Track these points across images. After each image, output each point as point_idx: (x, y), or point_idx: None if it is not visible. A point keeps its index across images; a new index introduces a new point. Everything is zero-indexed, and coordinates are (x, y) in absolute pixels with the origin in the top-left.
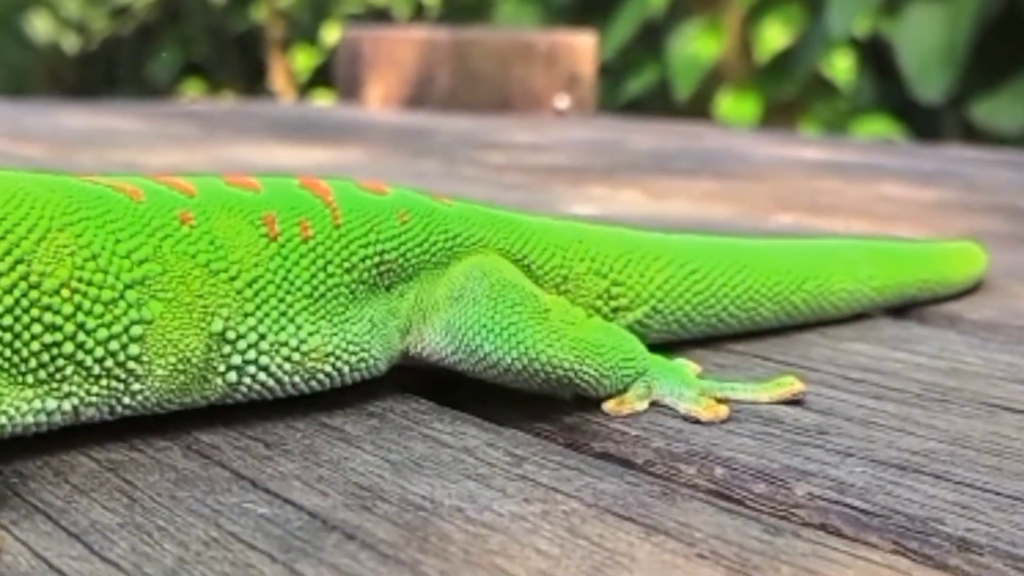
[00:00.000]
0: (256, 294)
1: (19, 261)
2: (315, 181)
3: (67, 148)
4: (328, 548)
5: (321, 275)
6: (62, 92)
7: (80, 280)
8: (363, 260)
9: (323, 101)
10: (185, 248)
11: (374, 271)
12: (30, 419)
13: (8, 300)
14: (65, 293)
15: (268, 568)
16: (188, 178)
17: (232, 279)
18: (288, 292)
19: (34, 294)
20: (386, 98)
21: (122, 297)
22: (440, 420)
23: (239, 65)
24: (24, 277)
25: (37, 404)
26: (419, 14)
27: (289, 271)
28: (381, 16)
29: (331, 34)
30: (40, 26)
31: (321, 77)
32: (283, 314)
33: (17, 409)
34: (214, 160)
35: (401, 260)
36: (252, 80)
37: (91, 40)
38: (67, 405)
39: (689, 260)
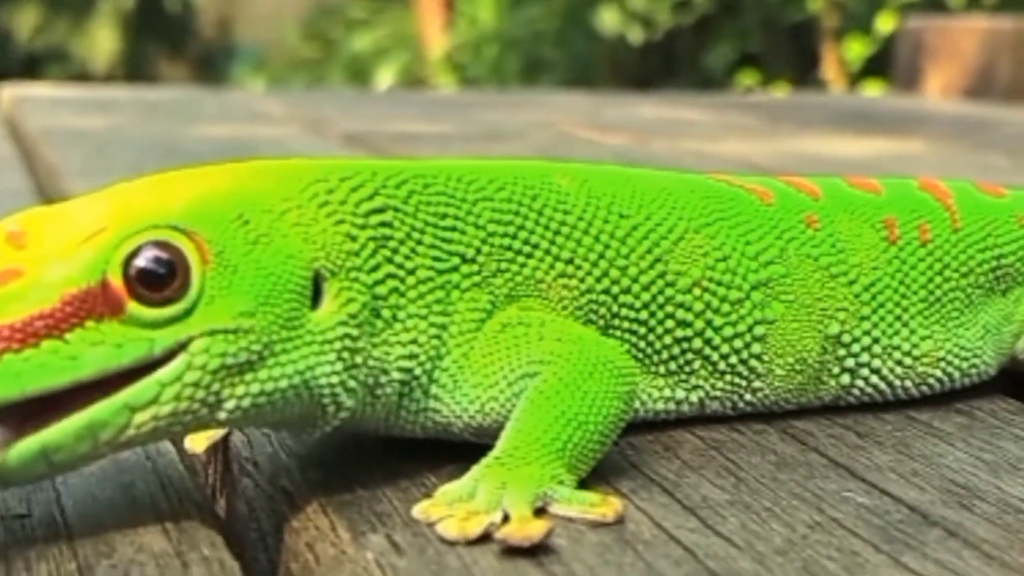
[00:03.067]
0: (873, 298)
1: (658, 260)
2: (935, 183)
3: (644, 137)
4: (931, 544)
5: (937, 279)
6: (621, 83)
7: (711, 280)
8: (980, 265)
9: (874, 91)
10: (808, 251)
11: (990, 276)
12: (660, 406)
13: (645, 296)
14: (696, 292)
15: (872, 557)
16: (812, 179)
17: (851, 283)
18: (903, 296)
19: (669, 291)
20: (945, 89)
21: (748, 297)
22: None
23: (791, 56)
24: (661, 275)
25: (667, 393)
26: (974, 3)
27: (906, 275)
28: (935, 4)
29: (886, 23)
30: (608, 19)
31: (872, 67)
32: (897, 318)
33: (650, 396)
34: (778, 151)
35: (1018, 264)
36: (803, 70)
37: (654, 32)
38: (694, 397)
39: None
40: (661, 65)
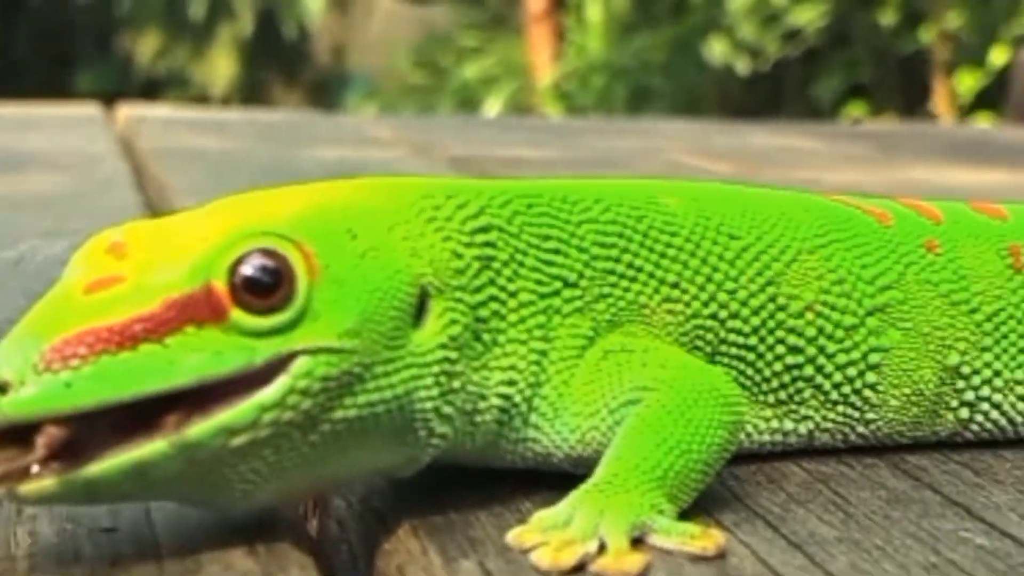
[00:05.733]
0: (996, 328)
1: (769, 283)
2: None
3: (754, 166)
4: None
5: None
6: (728, 113)
7: (824, 304)
8: None
9: (984, 123)
10: (928, 276)
11: None
12: (767, 438)
13: (755, 321)
14: (809, 316)
15: None
16: (934, 202)
17: (972, 311)
18: None
19: (780, 316)
20: None
21: (863, 323)
22: None
23: (900, 88)
24: (772, 299)
25: (775, 424)
26: None
27: None
28: None
29: (999, 56)
30: (717, 49)
31: (983, 100)
32: (1022, 351)
33: (756, 427)
34: (892, 181)
35: None
36: (912, 103)
37: (762, 63)
38: (803, 428)
39: None
40: (768, 96)
